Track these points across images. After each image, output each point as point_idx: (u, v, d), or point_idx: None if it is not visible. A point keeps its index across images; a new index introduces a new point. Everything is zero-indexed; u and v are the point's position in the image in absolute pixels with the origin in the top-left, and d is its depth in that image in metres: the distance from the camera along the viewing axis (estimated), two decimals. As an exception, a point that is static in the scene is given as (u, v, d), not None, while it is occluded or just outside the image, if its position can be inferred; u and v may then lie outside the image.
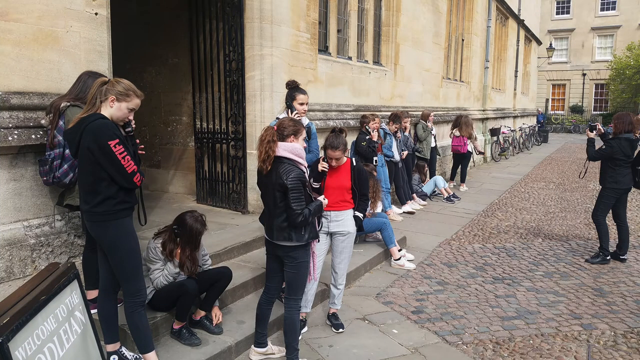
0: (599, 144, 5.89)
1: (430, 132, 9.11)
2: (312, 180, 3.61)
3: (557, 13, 36.77)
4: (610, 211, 5.84)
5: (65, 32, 3.53)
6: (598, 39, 35.54)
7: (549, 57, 27.63)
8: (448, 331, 4.06)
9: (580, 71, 35.67)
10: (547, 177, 12.63)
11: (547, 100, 36.33)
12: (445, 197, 9.06)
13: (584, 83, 35.75)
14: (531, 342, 3.89)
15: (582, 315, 4.37)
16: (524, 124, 20.66)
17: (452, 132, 10.23)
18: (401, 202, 8.07)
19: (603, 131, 5.86)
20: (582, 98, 35.77)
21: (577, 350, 3.75)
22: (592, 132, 5.83)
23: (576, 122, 33.13)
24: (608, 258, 5.77)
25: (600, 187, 5.81)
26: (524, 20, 19.07)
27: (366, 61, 8.43)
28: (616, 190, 5.64)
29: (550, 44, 27.55)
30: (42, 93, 3.43)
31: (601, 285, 5.09)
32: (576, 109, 35.64)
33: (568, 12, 36.39)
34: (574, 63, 36.12)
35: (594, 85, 35.76)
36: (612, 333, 4.04)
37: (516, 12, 17.98)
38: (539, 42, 24.29)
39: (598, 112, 34.71)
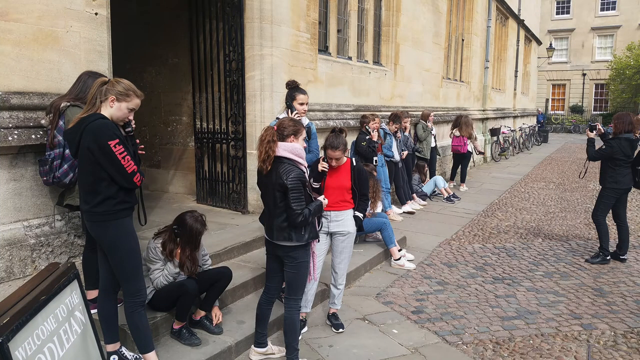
0: (598, 144, 5.88)
1: (430, 132, 9.11)
2: (312, 180, 3.61)
3: (557, 13, 36.76)
4: (610, 211, 5.84)
5: (65, 32, 3.53)
6: (598, 39, 35.53)
7: (549, 57, 27.61)
8: (448, 331, 4.06)
9: (580, 71, 35.66)
10: (547, 177, 12.63)
11: (547, 100, 36.32)
12: (445, 197, 9.06)
13: (584, 83, 35.73)
14: (531, 342, 3.89)
15: (582, 315, 4.37)
16: (524, 124, 20.66)
17: (452, 132, 10.23)
18: (401, 202, 8.07)
19: (603, 131, 5.86)
20: (582, 98, 35.75)
21: (577, 350, 3.75)
22: (592, 132, 5.83)
23: (576, 122, 33.12)
24: (608, 258, 5.77)
25: (600, 187, 5.81)
26: (524, 20, 19.07)
27: (366, 61, 8.43)
28: (616, 190, 5.64)
29: (550, 44, 27.54)
30: (42, 93, 3.43)
31: (601, 285, 5.09)
32: (576, 109, 35.63)
33: (568, 12, 36.37)
34: (574, 63, 36.11)
35: (594, 85, 35.75)
36: (612, 333, 4.04)
37: (516, 12, 17.97)
38: (539, 42, 24.30)
39: (598, 112, 34.69)
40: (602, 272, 5.49)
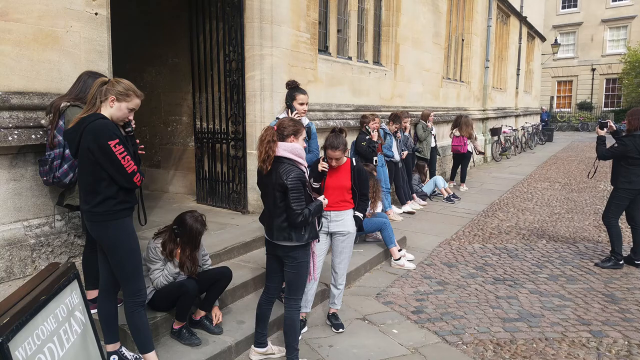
0: (609, 142, 5.53)
1: (430, 132, 9.10)
2: (312, 180, 3.61)
3: (564, 7, 34.93)
4: (624, 213, 5.54)
5: (65, 32, 3.53)
6: (609, 32, 33.38)
7: (553, 54, 26.77)
8: (448, 331, 4.05)
9: (589, 66, 33.73)
10: (552, 177, 12.38)
11: (552, 97, 34.46)
12: (445, 197, 9.04)
13: (593, 78, 33.73)
14: (534, 345, 3.80)
15: (591, 321, 4.17)
16: (526, 122, 20.47)
17: (452, 132, 10.22)
18: (401, 202, 8.06)
19: (615, 128, 5.50)
20: (591, 94, 33.75)
21: (586, 357, 3.59)
22: (602, 129, 5.50)
23: (584, 120, 31.51)
24: (621, 262, 5.47)
25: (612, 187, 5.51)
26: (526, 17, 18.76)
27: (366, 61, 8.42)
28: (630, 191, 5.32)
29: (556, 40, 26.70)
30: (42, 93, 3.43)
31: (613, 291, 4.83)
32: (584, 106, 33.67)
33: (575, 6, 34.52)
34: (582, 58, 34.23)
35: (605, 80, 33.67)
36: (626, 342, 3.81)
37: (518, 9, 17.75)
38: (542, 39, 23.88)
39: (609, 109, 32.74)
40: (614, 277, 5.21)
